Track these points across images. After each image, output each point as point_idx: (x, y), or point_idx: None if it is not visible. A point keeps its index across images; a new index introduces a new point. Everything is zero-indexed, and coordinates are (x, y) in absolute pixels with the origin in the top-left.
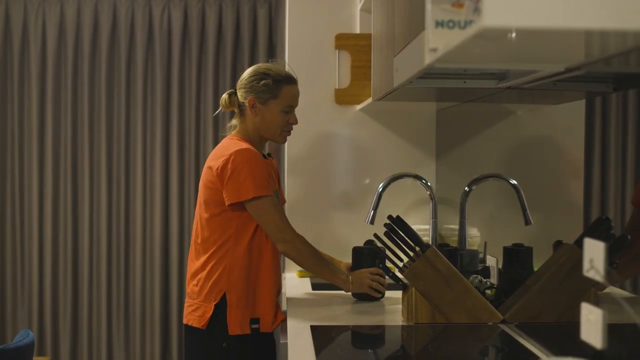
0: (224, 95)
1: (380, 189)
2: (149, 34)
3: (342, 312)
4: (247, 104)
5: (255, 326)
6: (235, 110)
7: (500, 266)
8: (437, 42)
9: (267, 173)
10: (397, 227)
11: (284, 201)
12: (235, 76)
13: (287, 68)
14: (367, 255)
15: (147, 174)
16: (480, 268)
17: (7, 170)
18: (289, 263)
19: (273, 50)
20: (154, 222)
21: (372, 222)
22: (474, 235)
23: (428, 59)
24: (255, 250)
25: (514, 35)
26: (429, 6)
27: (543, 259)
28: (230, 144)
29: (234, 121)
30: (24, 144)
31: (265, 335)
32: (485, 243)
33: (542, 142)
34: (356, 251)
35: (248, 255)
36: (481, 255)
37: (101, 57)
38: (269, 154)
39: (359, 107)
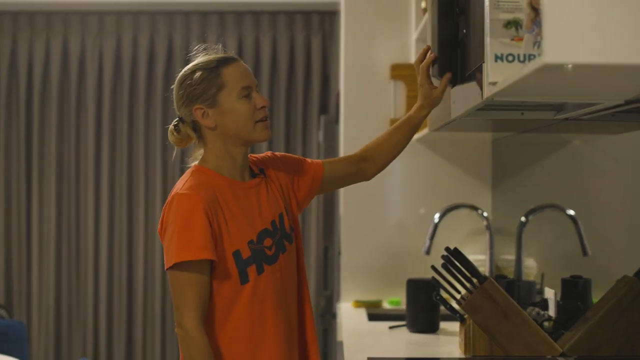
0: (169, 130)
1: (437, 220)
2: None
3: (399, 343)
4: (195, 118)
5: None
6: (192, 136)
7: (558, 298)
8: (496, 76)
9: (201, 229)
10: (454, 258)
11: (295, 214)
12: (289, 106)
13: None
14: (423, 288)
15: None
16: (538, 300)
17: (64, 198)
18: (344, 291)
19: (327, 79)
20: None
21: (428, 253)
22: (531, 266)
23: (487, 92)
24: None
25: (575, 70)
26: (487, 39)
27: (602, 291)
28: (177, 184)
29: (197, 151)
30: (80, 172)
31: None
32: (543, 274)
33: (600, 171)
34: (411, 283)
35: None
36: (538, 287)
37: (156, 86)
38: (260, 171)
39: (414, 137)
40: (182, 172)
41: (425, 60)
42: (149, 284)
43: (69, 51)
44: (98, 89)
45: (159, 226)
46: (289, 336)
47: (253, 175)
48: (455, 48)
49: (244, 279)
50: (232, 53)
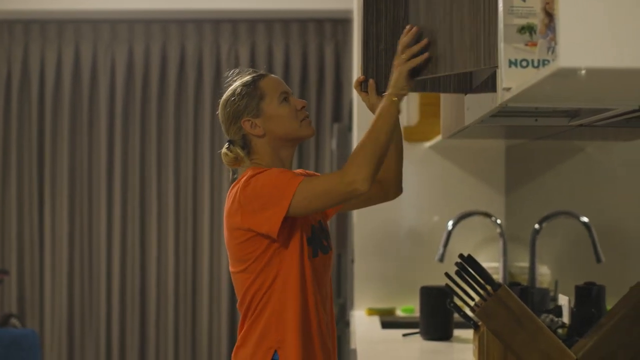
0: (222, 152)
1: (450, 227)
2: (216, 71)
3: (413, 351)
4: (245, 130)
5: None
6: (242, 155)
7: (572, 305)
8: (510, 82)
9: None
10: (468, 265)
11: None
12: None
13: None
14: (436, 295)
15: (214, 211)
16: (551, 307)
17: (76, 207)
18: (358, 298)
19: (340, 87)
20: (220, 260)
21: (441, 260)
22: (545, 274)
23: (501, 98)
24: None
25: (589, 75)
26: (501, 45)
27: (615, 298)
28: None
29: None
30: (92, 180)
31: None
32: (556, 281)
33: (614, 178)
34: (425, 291)
35: None
36: (552, 294)
37: (169, 94)
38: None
39: (428, 144)
40: (195, 182)
41: (355, 81)
42: (161, 291)
43: (80, 59)
44: (110, 97)
45: (231, 206)
46: (328, 332)
47: None
48: (378, 63)
49: (308, 253)
50: (263, 69)
